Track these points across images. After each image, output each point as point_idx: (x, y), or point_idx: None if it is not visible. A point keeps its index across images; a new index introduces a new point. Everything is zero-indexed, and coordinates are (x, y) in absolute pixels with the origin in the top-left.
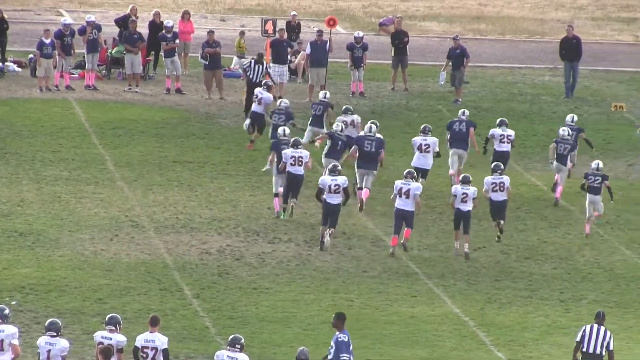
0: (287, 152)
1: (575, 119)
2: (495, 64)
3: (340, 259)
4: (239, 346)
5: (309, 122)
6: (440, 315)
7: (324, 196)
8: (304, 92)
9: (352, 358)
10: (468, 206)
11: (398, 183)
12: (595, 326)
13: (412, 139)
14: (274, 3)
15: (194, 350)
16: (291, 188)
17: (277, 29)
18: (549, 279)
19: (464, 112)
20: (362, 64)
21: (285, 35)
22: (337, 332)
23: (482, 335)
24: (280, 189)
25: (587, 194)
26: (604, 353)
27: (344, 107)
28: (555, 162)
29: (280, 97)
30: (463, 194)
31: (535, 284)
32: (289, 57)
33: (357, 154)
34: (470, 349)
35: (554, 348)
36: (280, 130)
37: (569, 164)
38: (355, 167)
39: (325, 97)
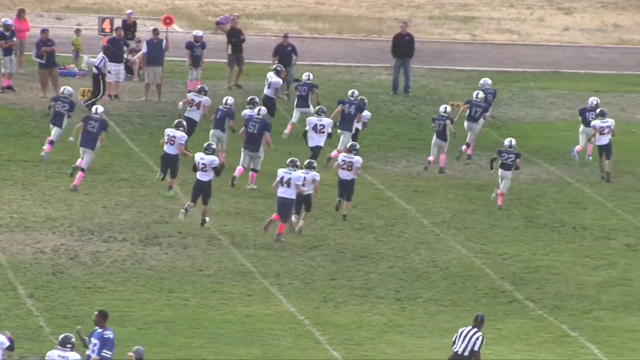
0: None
1: (489, 82)
2: (332, 62)
3: (176, 257)
4: (69, 345)
5: (295, 104)
6: (275, 314)
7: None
8: (140, 90)
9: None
10: (352, 175)
11: (280, 171)
12: (468, 328)
13: (307, 119)
14: (110, 1)
15: (27, 350)
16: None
17: (114, 28)
18: (384, 278)
19: (353, 93)
20: (201, 63)
21: (122, 34)
22: (100, 329)
23: (317, 334)
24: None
25: (499, 169)
26: (466, 354)
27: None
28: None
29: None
30: (344, 161)
31: (371, 282)
32: (125, 55)
33: (245, 135)
34: (305, 347)
35: (390, 347)
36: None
37: (481, 121)
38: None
39: (309, 79)
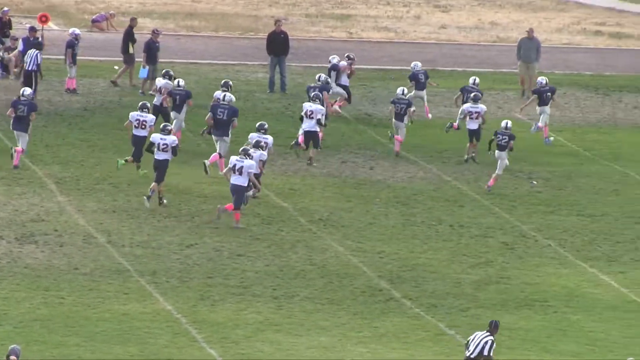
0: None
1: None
2: (209, 60)
3: (52, 256)
4: None
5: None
6: (152, 312)
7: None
8: (17, 88)
9: None
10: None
11: (233, 159)
12: (481, 333)
13: (303, 104)
14: None
15: None
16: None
17: None
18: (261, 276)
19: (320, 78)
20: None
21: None
22: None
23: (194, 333)
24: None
25: (496, 150)
26: (473, 356)
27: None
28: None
29: None
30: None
31: (247, 281)
32: (0, 53)
33: (212, 121)
34: (182, 346)
35: (266, 345)
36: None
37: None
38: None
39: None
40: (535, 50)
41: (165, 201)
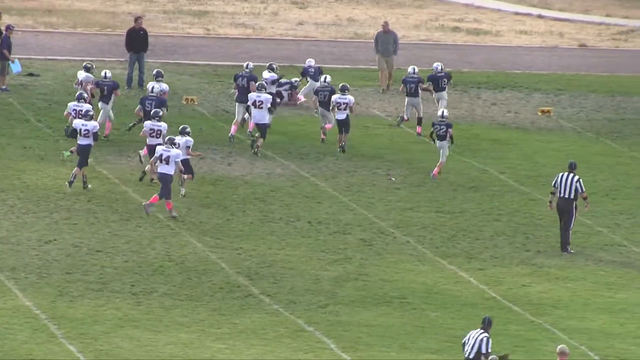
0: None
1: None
2: (67, 57)
3: None
4: None
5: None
6: (11, 308)
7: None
8: None
9: None
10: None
11: (159, 149)
12: (475, 331)
13: (249, 95)
14: None
15: None
16: None
17: None
18: (120, 272)
19: (247, 65)
20: None
21: None
22: None
23: (53, 328)
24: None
25: (436, 140)
26: (472, 357)
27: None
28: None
29: None
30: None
31: (106, 276)
32: None
33: (142, 113)
34: (41, 342)
35: (125, 341)
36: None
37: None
38: None
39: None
40: (393, 43)
41: (89, 186)
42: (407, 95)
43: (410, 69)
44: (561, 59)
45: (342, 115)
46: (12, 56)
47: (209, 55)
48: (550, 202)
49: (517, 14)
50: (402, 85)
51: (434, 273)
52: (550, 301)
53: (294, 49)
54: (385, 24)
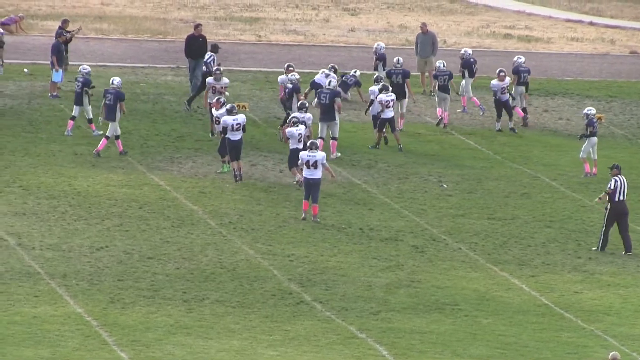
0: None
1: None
2: (118, 63)
3: None
4: None
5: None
6: (62, 315)
7: None
8: None
9: None
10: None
11: (304, 155)
12: None
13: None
14: None
15: None
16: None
17: None
18: (172, 279)
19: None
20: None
21: None
22: None
23: (105, 335)
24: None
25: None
26: None
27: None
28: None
29: None
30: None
31: (158, 283)
32: None
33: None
34: (93, 348)
35: (177, 348)
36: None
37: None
38: None
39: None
40: (431, 45)
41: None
42: (438, 90)
43: (439, 64)
44: (612, 65)
45: (389, 113)
46: (69, 63)
47: (260, 61)
48: (600, 198)
49: (568, 21)
50: (433, 81)
51: (486, 280)
52: (602, 308)
53: (345, 55)
54: (424, 25)
